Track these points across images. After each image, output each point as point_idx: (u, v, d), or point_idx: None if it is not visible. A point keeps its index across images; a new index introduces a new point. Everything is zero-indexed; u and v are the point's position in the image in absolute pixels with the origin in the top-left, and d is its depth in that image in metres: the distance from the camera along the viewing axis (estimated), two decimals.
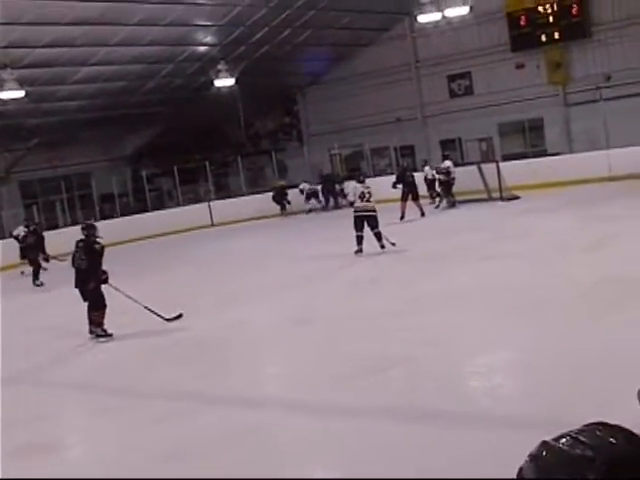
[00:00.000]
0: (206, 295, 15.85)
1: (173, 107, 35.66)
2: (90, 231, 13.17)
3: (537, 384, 7.98)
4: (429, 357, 9.30)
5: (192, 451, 7.39)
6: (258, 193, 34.88)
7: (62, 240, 27.77)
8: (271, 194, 33.54)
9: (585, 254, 14.45)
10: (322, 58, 36.78)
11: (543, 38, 31.75)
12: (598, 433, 1.46)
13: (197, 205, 34.30)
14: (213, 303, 14.79)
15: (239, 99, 35.40)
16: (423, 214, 24.96)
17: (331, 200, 33.06)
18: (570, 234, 17.17)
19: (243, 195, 35.31)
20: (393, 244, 18.22)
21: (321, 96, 38.43)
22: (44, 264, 23.01)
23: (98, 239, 13.13)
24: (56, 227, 32.14)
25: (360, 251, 18.14)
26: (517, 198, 25.69)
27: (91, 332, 12.92)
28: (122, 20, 25.91)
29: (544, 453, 1.46)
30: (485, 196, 26.48)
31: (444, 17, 28.73)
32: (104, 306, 12.83)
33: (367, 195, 18.34)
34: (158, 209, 34.87)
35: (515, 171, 26.61)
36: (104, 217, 31.98)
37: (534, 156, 30.71)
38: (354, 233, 18.23)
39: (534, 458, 1.46)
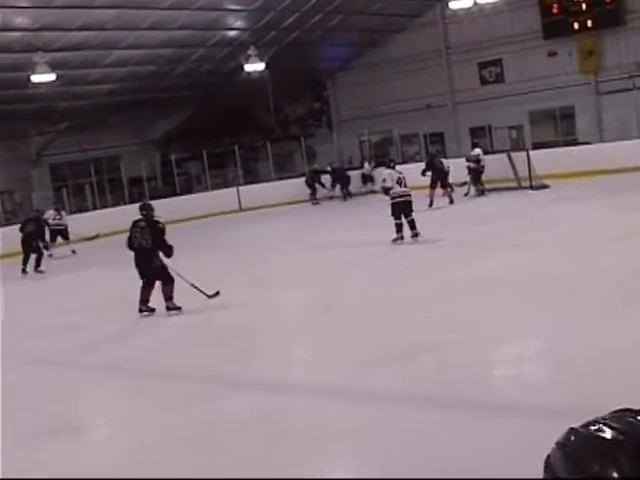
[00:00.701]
0: (236, 279, 15.90)
1: (202, 92, 35.72)
2: (149, 211, 13.33)
3: (566, 373, 7.94)
4: (457, 345, 9.26)
5: (217, 434, 7.42)
6: (287, 178, 34.90)
7: (91, 222, 28.22)
8: (304, 178, 33.51)
9: (615, 243, 14.35)
10: (352, 44, 36.66)
11: (576, 26, 31.45)
12: (627, 418, 1.45)
13: (226, 190, 34.33)
14: (243, 287, 14.85)
15: (269, 84, 35.39)
16: (452, 202, 24.88)
17: (337, 189, 33.09)
18: (600, 223, 17.06)
19: (271, 180, 35.34)
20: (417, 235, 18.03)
21: (351, 82, 38.33)
22: (46, 252, 23.17)
23: (157, 218, 13.35)
24: (86, 210, 32.34)
25: (401, 238, 17.89)
26: (547, 187, 25.53)
27: (141, 310, 13.18)
28: (153, 4, 25.95)
29: (572, 439, 1.44)
30: (515, 184, 26.33)
31: (476, 3, 28.58)
32: (173, 280, 13.01)
33: (403, 180, 18.07)
34: (187, 193, 34.97)
35: (545, 159, 26.41)
36: (133, 201, 32.06)
37: (565, 145, 30.51)
38: (392, 220, 17.86)
39: (562, 445, 1.45)
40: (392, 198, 17.97)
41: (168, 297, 13.07)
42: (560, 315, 9.98)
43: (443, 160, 26.52)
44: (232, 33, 31.83)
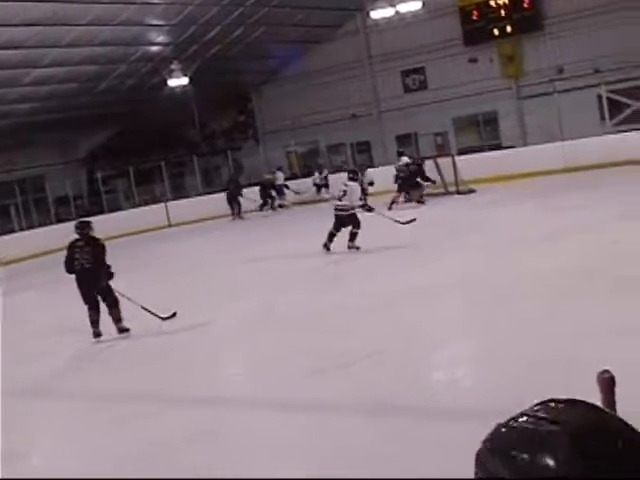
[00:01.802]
0: (170, 297, 15.63)
1: (127, 108, 35.42)
2: (86, 230, 12.70)
3: (501, 377, 7.98)
4: (394, 351, 9.29)
5: (157, 451, 7.33)
6: (215, 192, 34.75)
7: (17, 244, 27.77)
8: (258, 189, 32.44)
9: (544, 245, 14.52)
10: (276, 55, 36.71)
11: (495, 32, 32.02)
12: (557, 407, 1.43)
13: (154, 206, 34.06)
14: (179, 303, 14.58)
15: (193, 98, 35.24)
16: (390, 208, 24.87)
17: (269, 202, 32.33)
18: (528, 225, 17.24)
19: (200, 195, 35.18)
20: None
21: (276, 94, 38.35)
22: None
23: (96, 236, 12.76)
24: (12, 231, 31.79)
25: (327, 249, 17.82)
26: (474, 191, 25.83)
27: (96, 335, 12.49)
28: (73, 20, 25.67)
29: (502, 432, 1.41)
30: (442, 190, 26.57)
31: (397, 13, 28.80)
32: (118, 301, 12.53)
33: (346, 194, 17.64)
34: (114, 211, 34.60)
35: (471, 164, 26.71)
36: (59, 220, 31.65)
37: (489, 149, 30.91)
38: (332, 230, 17.68)
39: (490, 440, 1.42)
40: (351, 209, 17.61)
41: (117, 319, 12.50)
42: (494, 318, 10.07)
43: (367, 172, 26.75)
44: (154, 48, 31.68)
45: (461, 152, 30.40)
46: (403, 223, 18.23)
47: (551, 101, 28.88)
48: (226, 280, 16.93)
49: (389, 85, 35.59)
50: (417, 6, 28.57)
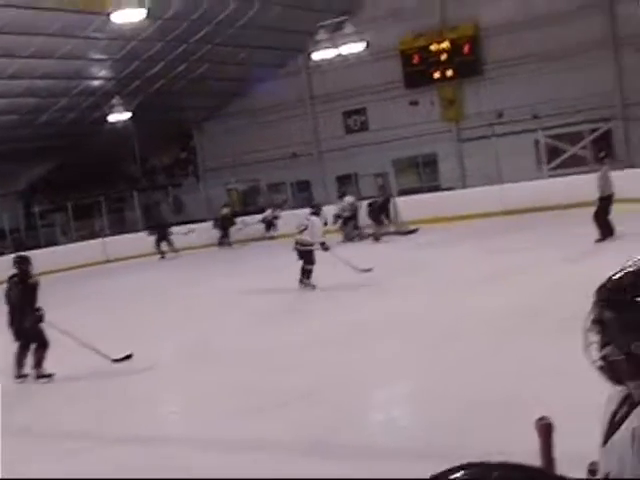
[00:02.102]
0: (102, 333, 15.35)
1: (68, 141, 35.17)
2: (23, 265, 12.33)
3: (437, 417, 7.99)
4: (333, 390, 9.26)
5: None
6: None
7: None
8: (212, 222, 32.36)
9: (483, 286, 14.66)
10: (218, 93, 36.76)
11: (436, 75, 32.49)
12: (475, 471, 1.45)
13: (91, 241, 33.70)
14: (112, 341, 14.37)
15: (134, 133, 35.10)
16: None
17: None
18: (467, 267, 17.39)
19: (139, 231, 34.87)
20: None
21: (217, 131, 38.39)
22: None
23: (32, 273, 12.36)
24: None
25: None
26: (413, 232, 26.06)
27: (18, 376, 12.08)
28: (15, 52, 25.46)
29: None
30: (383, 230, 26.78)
31: (339, 54, 29.07)
32: (45, 345, 12.03)
33: (305, 228, 17.69)
34: (51, 245, 34.14)
35: (411, 205, 26.95)
36: None
37: (429, 191, 31.21)
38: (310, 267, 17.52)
39: None
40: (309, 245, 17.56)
41: (37, 363, 12.05)
42: (434, 358, 10.10)
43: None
44: (96, 82, 31.55)
45: (401, 193, 30.68)
46: (360, 270, 17.87)
47: (490, 145, 29.33)
48: (163, 316, 16.75)
49: (330, 125, 35.83)
50: (359, 48, 28.90)
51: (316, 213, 18.52)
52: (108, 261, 31.90)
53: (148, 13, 19.82)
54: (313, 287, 17.38)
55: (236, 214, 33.23)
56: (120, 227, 37.06)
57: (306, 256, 17.39)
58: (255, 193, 37.31)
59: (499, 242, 20.30)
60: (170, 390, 11.13)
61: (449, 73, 32.33)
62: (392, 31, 32.84)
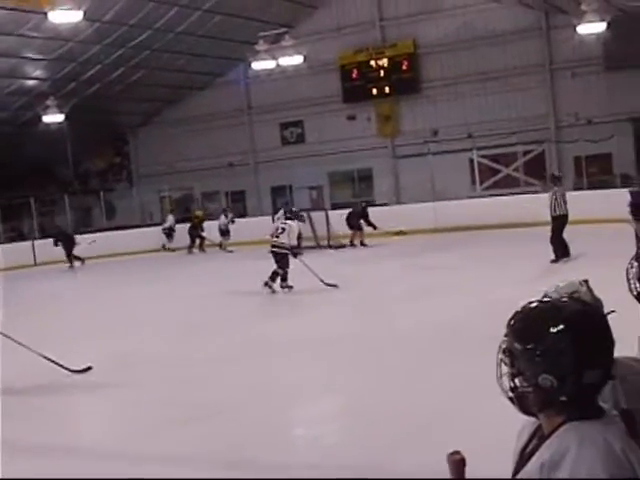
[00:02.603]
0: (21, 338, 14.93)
1: None
2: None
3: (364, 433, 7.95)
4: (258, 404, 9.14)
5: None
6: (86, 233, 33.95)
7: None
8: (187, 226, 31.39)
9: (412, 303, 14.70)
10: (155, 99, 36.51)
11: (374, 91, 32.70)
12: None
13: (20, 243, 33.07)
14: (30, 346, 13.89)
15: (68, 136, 34.61)
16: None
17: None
18: (398, 283, 17.44)
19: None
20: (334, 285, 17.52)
21: (153, 137, 38.09)
22: None
23: None
24: None
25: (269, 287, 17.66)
26: (345, 246, 26.09)
27: None
28: None
29: None
30: (313, 244, 26.68)
31: (278, 65, 29.05)
32: None
33: (278, 231, 17.80)
34: None
35: (344, 220, 26.94)
36: None
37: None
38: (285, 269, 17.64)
39: None
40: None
41: None
42: (358, 374, 10.05)
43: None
44: (31, 82, 31.08)
45: (335, 207, 30.72)
46: (326, 284, 17.62)
47: (425, 162, 29.56)
48: (86, 323, 16.40)
49: (267, 136, 35.80)
50: (299, 61, 28.90)
51: (291, 217, 18.67)
52: (36, 264, 31.30)
53: (85, 15, 19.54)
54: (290, 288, 17.51)
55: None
56: (50, 230, 36.43)
57: (281, 259, 17.50)
58: (189, 201, 37.04)
59: (429, 259, 20.41)
60: (88, 400, 10.88)
61: (387, 89, 32.61)
62: (332, 45, 33.02)
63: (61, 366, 11.29)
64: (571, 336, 2.21)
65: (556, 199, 18.27)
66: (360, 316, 14.00)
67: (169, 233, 32.13)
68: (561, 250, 17.42)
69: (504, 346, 2.33)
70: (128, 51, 30.08)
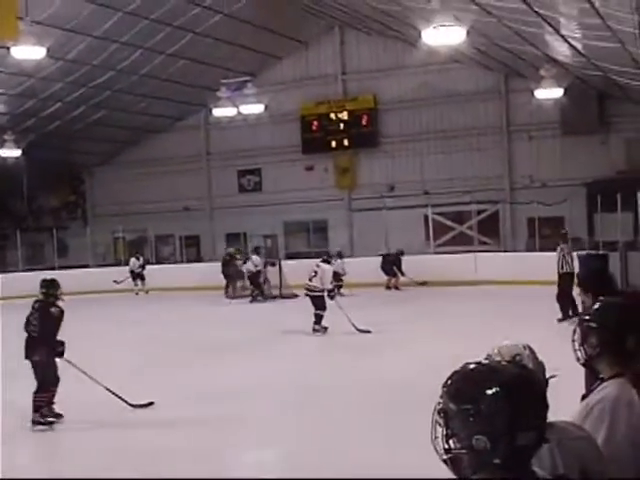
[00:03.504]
0: None
1: None
2: (50, 290, 10.99)
3: None
4: (195, 452, 9.06)
5: None
6: (37, 270, 33.49)
7: None
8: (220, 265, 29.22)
9: (355, 356, 14.74)
10: (114, 140, 36.42)
11: (333, 144, 32.92)
12: None
13: None
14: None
15: (24, 171, 34.37)
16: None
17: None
18: (342, 336, 17.42)
19: (18, 271, 33.86)
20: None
21: (110, 177, 37.92)
22: None
23: (58, 301, 10.96)
24: None
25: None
26: (296, 296, 26.05)
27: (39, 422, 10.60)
28: None
29: None
30: (267, 293, 26.77)
31: (239, 113, 29.15)
32: (54, 385, 10.62)
33: (314, 275, 18.28)
34: None
35: (297, 270, 26.88)
36: None
37: (316, 256, 31.21)
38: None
39: None
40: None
41: (37, 406, 10.54)
42: (300, 425, 10.03)
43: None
44: None
45: (288, 257, 30.73)
46: (358, 330, 17.53)
47: (380, 216, 29.73)
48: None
49: (224, 183, 35.84)
50: (260, 109, 29.02)
51: (327, 261, 19.13)
52: None
53: (48, 51, 19.48)
54: (324, 330, 17.87)
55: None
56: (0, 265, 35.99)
57: (317, 302, 18.01)
58: (142, 243, 36.82)
59: (379, 314, 20.46)
60: None
61: (346, 142, 32.85)
62: (294, 96, 33.30)
63: (123, 400, 11.07)
64: (505, 398, 2.22)
65: (564, 256, 18.40)
66: (303, 367, 13.97)
67: (134, 275, 31.28)
68: (568, 308, 17.00)
69: (439, 407, 2.34)
70: (90, 90, 30.01)
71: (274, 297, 26.55)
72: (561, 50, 21.84)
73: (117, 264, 34.30)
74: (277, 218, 33.35)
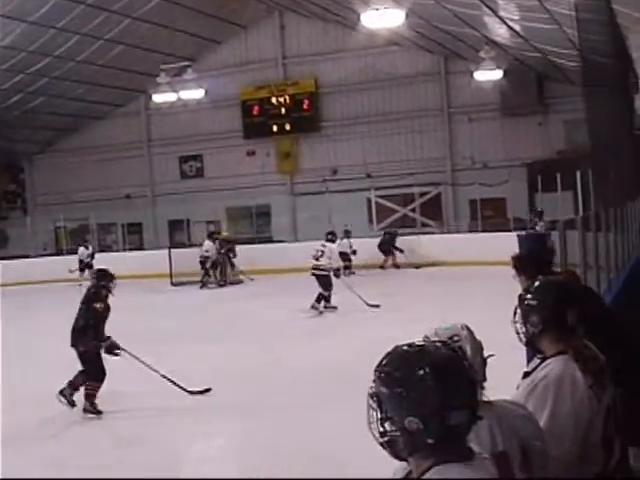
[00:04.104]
0: None
1: None
2: (101, 281, 10.84)
3: (249, 470, 7.92)
4: (152, 442, 8.99)
5: None
6: None
7: None
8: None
9: (304, 341, 14.72)
10: (53, 127, 35.96)
11: (275, 128, 32.84)
12: None
13: None
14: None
15: None
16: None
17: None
18: (291, 321, 17.44)
19: None
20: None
21: (50, 166, 37.45)
22: None
23: (106, 293, 10.77)
24: None
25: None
26: (241, 282, 26.04)
27: (66, 398, 10.55)
28: None
29: None
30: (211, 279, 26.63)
31: (179, 99, 28.95)
32: (101, 378, 10.53)
33: (319, 254, 18.48)
34: None
35: (241, 256, 26.80)
36: None
37: (260, 242, 31.21)
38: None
39: None
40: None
41: (87, 395, 10.47)
42: (244, 413, 10.01)
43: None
44: None
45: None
46: (369, 305, 17.70)
47: (323, 200, 29.76)
48: None
49: (166, 169, 35.62)
50: (200, 94, 28.86)
51: (331, 240, 19.35)
52: None
53: None
54: (334, 308, 18.15)
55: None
56: None
57: (323, 281, 18.14)
58: (84, 232, 36.44)
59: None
60: None
61: (287, 127, 32.79)
62: (234, 81, 33.16)
63: (180, 387, 10.91)
64: (433, 378, 2.24)
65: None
66: (255, 353, 13.88)
67: (83, 265, 28.24)
68: None
69: (371, 391, 2.34)
70: (27, 77, 29.58)
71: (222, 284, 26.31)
72: (500, 32, 22.00)
73: (59, 253, 33.89)
74: (220, 204, 33.22)
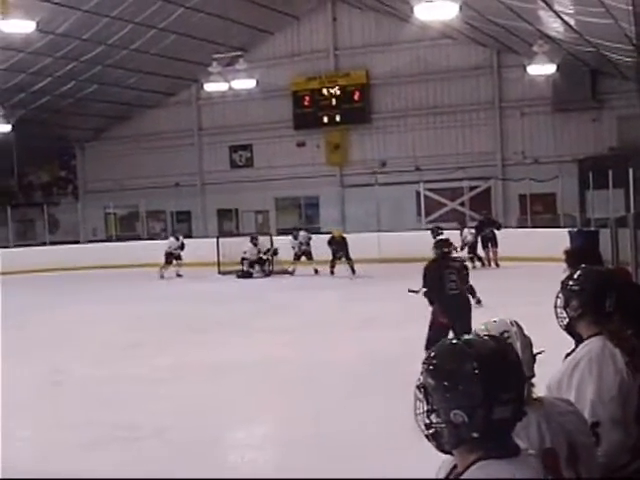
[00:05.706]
0: None
1: None
2: (441, 248, 12.03)
3: (292, 460, 7.91)
4: (184, 429, 9.01)
5: None
6: (27, 246, 33.45)
7: None
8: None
9: (350, 332, 14.69)
10: (105, 115, 36.26)
11: (325, 119, 32.82)
12: None
13: None
14: None
15: (14, 147, 34.21)
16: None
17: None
18: (336, 312, 17.45)
19: (9, 247, 33.70)
20: None
21: (101, 153, 37.78)
22: None
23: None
24: None
25: None
26: (288, 273, 26.08)
27: None
28: None
29: None
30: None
31: (231, 88, 29.02)
32: None
33: None
34: None
35: (289, 246, 26.86)
36: None
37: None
38: None
39: None
40: None
41: None
42: (290, 401, 10.00)
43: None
44: None
45: (280, 233, 30.63)
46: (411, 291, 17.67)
47: (371, 192, 29.69)
48: (15, 338, 15.85)
49: (216, 158, 35.74)
50: (251, 85, 28.89)
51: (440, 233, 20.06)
52: None
53: (38, 26, 19.34)
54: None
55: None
56: None
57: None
58: (134, 219, 36.75)
59: (370, 290, 20.45)
60: (12, 418, 10.61)
61: (337, 118, 32.73)
62: (285, 71, 33.18)
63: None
64: (481, 372, 2.24)
65: None
66: (301, 343, 13.93)
67: (172, 256, 28.00)
68: None
69: (419, 383, 2.34)
70: (80, 65, 29.84)
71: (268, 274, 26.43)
72: (554, 26, 21.77)
73: (109, 240, 34.23)
74: (269, 194, 33.34)
